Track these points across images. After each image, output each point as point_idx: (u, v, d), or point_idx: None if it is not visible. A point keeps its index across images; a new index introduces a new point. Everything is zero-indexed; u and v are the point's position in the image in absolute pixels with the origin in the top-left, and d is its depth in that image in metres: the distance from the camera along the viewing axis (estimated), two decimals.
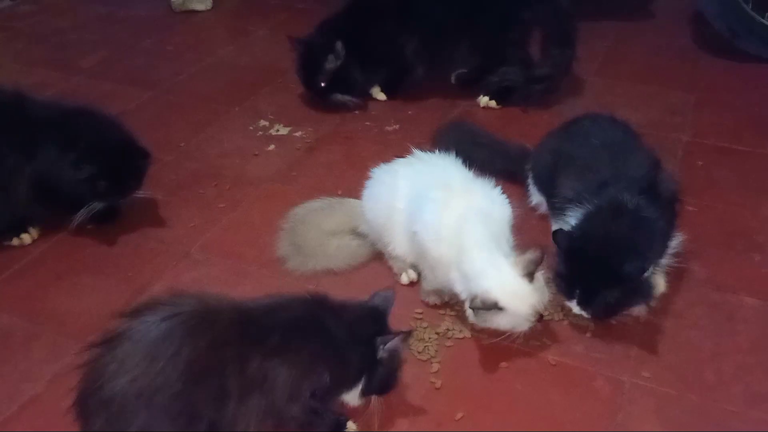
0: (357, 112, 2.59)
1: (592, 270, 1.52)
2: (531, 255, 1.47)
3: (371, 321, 1.31)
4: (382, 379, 1.30)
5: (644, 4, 3.44)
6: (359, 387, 1.29)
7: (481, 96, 2.60)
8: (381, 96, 2.65)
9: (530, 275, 1.46)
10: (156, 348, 1.14)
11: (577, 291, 1.53)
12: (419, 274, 1.74)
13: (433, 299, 1.68)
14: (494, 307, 1.44)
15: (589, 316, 1.56)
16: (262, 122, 2.52)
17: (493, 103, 2.59)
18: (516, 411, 1.44)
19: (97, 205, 1.86)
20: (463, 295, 1.51)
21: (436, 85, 2.66)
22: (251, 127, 2.50)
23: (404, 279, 1.76)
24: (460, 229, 1.53)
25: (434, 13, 2.47)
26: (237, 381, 1.17)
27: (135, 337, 1.16)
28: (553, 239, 1.56)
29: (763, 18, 2.75)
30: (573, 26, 2.49)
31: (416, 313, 1.66)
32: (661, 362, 1.54)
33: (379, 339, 1.27)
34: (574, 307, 1.56)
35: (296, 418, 1.24)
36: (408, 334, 1.33)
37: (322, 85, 2.51)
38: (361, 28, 2.53)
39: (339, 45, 2.46)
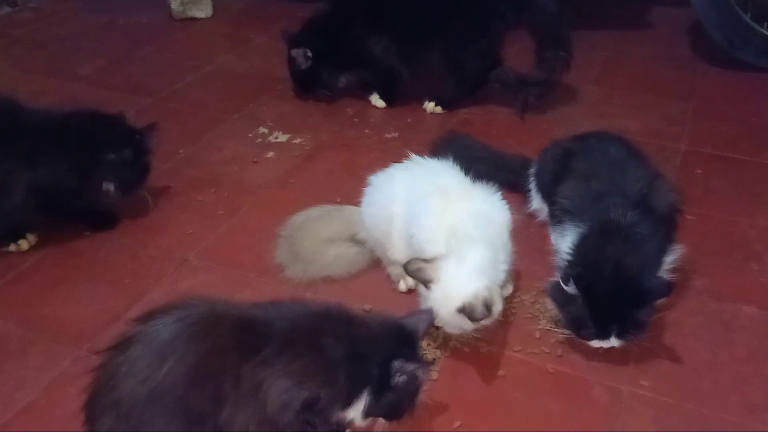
0: (356, 119, 2.59)
1: (619, 299, 1.47)
2: (477, 311, 1.42)
3: (390, 340, 1.27)
4: (391, 405, 1.26)
5: (642, 14, 3.45)
6: (360, 407, 1.25)
7: (427, 102, 2.61)
8: (380, 103, 2.66)
9: (459, 311, 1.44)
10: (164, 350, 1.16)
11: (614, 326, 1.48)
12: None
13: None
14: (425, 282, 1.44)
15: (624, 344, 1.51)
16: (261, 129, 2.52)
17: (438, 109, 2.60)
18: (514, 420, 1.43)
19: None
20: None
21: (434, 93, 2.67)
22: (250, 135, 2.50)
23: (402, 286, 1.75)
24: (455, 229, 1.53)
25: (409, 18, 2.49)
26: (232, 388, 1.17)
27: (146, 340, 1.18)
28: (569, 282, 1.48)
29: (762, 28, 2.76)
30: (562, 27, 2.48)
31: None
32: (660, 371, 1.53)
33: (396, 363, 1.22)
34: (613, 341, 1.50)
35: (290, 425, 1.23)
36: (429, 365, 1.31)
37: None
38: (339, 29, 2.57)
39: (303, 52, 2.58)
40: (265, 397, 1.18)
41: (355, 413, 1.26)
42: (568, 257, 1.59)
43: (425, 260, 1.47)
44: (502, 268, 1.55)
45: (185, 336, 1.17)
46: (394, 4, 2.53)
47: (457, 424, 1.42)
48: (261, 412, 1.19)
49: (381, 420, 1.32)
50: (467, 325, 1.48)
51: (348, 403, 1.25)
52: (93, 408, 1.20)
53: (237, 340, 1.20)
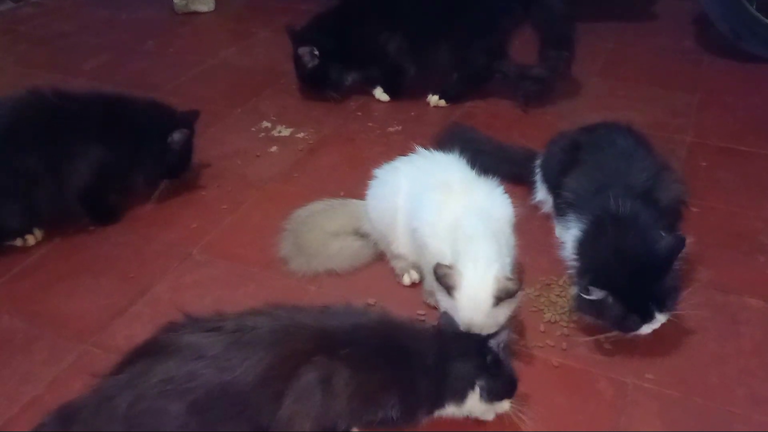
0: (359, 113, 2.59)
1: (643, 276, 1.46)
2: (510, 284, 1.43)
3: (462, 342, 1.35)
4: (510, 378, 1.34)
5: (647, 6, 3.43)
6: (474, 401, 1.31)
7: (431, 95, 2.61)
8: (384, 97, 2.66)
9: (497, 299, 1.43)
10: (246, 349, 1.21)
11: (651, 304, 1.47)
12: (421, 275, 1.73)
13: (435, 300, 1.67)
14: (449, 288, 1.43)
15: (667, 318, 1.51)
16: (265, 123, 2.52)
17: (442, 103, 2.60)
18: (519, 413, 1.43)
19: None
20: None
21: (439, 86, 2.66)
22: (253, 129, 2.50)
23: (406, 280, 1.75)
24: (458, 225, 1.52)
25: (417, 14, 2.48)
26: (298, 379, 1.21)
27: (230, 334, 1.24)
28: (590, 291, 1.47)
29: (767, 19, 2.74)
30: (568, 27, 2.48)
31: (418, 314, 1.65)
32: (665, 364, 1.53)
33: (493, 341, 1.31)
34: (660, 318, 1.48)
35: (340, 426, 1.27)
36: (509, 326, 1.38)
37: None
38: (348, 26, 2.56)
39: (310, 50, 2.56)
40: (334, 395, 1.21)
41: (471, 408, 1.33)
42: (574, 261, 1.58)
43: (448, 266, 1.45)
44: (507, 262, 1.54)
45: (268, 340, 1.23)
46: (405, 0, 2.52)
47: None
48: (325, 405, 1.21)
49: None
50: (508, 312, 1.48)
51: (453, 402, 1.31)
52: (144, 358, 1.23)
53: (316, 345, 1.24)
